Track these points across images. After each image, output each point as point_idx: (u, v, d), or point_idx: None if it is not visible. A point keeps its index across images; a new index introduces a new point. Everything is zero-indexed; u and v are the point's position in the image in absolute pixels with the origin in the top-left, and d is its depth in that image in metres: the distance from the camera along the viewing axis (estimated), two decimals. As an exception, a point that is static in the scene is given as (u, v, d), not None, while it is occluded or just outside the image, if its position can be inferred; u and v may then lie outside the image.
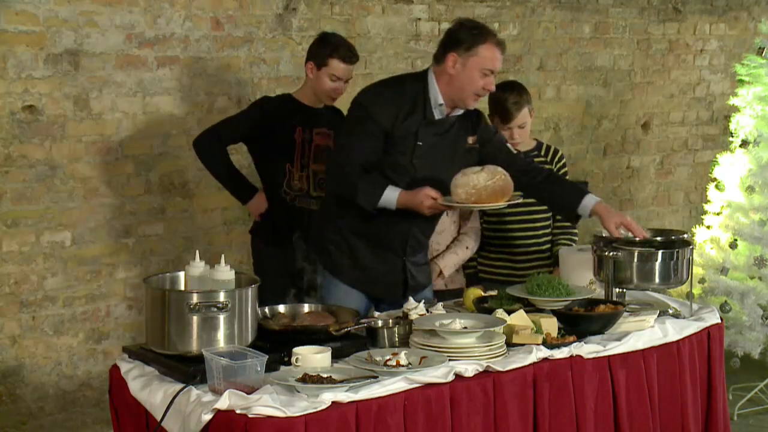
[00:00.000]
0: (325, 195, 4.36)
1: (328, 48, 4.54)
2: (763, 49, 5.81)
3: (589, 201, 3.99)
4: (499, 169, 3.80)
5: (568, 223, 4.52)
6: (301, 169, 4.62)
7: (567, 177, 4.57)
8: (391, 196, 3.88)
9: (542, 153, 4.57)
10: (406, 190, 3.88)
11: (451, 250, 4.55)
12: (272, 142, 4.60)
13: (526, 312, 3.55)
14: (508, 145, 4.24)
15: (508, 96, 4.43)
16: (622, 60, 7.04)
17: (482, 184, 3.72)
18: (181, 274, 3.36)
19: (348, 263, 4.07)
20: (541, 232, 4.55)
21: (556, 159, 4.58)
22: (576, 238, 4.61)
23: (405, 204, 3.88)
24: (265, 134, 4.59)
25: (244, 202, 4.72)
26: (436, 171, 3.98)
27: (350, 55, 4.56)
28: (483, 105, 4.18)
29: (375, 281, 4.09)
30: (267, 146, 4.62)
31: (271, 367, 3.08)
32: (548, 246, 4.58)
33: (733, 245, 5.67)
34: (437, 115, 3.96)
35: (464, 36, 3.89)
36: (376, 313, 3.72)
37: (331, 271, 4.09)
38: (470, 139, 4.08)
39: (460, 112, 4.03)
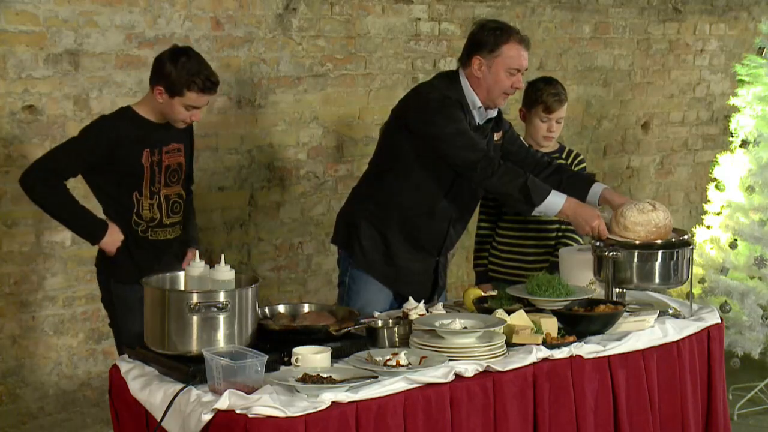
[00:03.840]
0: (354, 192, 4.29)
1: (182, 77, 3.84)
2: (763, 49, 5.81)
3: (597, 188, 4.05)
4: (659, 203, 3.87)
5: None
6: (150, 196, 3.98)
7: None
8: (556, 201, 3.84)
9: (563, 156, 4.58)
10: (575, 200, 3.87)
11: None
12: (116, 169, 3.92)
13: (526, 312, 3.55)
14: (521, 138, 4.33)
15: (550, 88, 4.47)
16: (622, 60, 7.04)
17: (663, 222, 3.82)
18: (181, 274, 3.36)
19: (382, 260, 4.08)
20: (553, 234, 4.54)
21: (576, 162, 4.58)
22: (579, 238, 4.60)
23: (573, 213, 3.86)
24: (107, 161, 3.90)
25: (96, 241, 3.96)
26: None
27: (210, 85, 3.91)
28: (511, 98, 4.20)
29: (408, 280, 4.12)
30: (110, 175, 3.94)
31: (271, 367, 3.08)
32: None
33: (733, 245, 5.67)
34: (477, 117, 4.02)
35: (486, 37, 3.91)
36: (376, 313, 3.72)
37: (363, 268, 4.11)
38: (496, 136, 4.13)
39: (494, 113, 4.06)
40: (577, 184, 4.09)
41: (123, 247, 3.97)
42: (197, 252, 3.88)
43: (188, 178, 4.21)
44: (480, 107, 4.00)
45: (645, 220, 3.81)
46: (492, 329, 3.36)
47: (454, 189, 4.05)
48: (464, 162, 3.89)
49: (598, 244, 3.88)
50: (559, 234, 4.55)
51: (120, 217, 3.98)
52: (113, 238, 3.95)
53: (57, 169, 3.90)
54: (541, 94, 4.46)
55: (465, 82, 3.98)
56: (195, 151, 4.28)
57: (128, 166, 3.92)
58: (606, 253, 3.82)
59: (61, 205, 3.92)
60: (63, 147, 3.98)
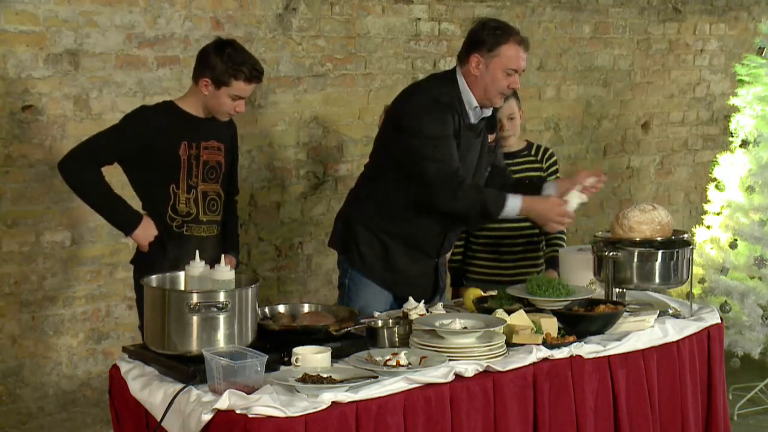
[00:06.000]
0: (351, 194, 4.29)
1: (229, 68, 3.90)
2: (763, 49, 5.81)
3: (547, 185, 4.10)
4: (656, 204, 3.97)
5: None
6: (187, 190, 3.98)
7: (558, 176, 4.60)
8: (514, 203, 3.90)
9: (532, 153, 4.59)
10: (528, 197, 3.94)
11: None
12: (153, 160, 3.95)
13: (526, 312, 3.55)
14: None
15: None
16: (622, 60, 7.04)
17: (665, 219, 3.91)
18: (181, 274, 3.36)
19: (381, 265, 4.08)
20: (528, 231, 4.54)
21: (546, 157, 4.58)
22: (564, 240, 4.60)
23: (531, 209, 3.92)
24: (145, 151, 3.94)
25: (129, 232, 3.99)
26: (468, 172, 4.03)
27: (257, 74, 3.96)
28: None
29: (407, 283, 4.11)
30: (147, 165, 3.97)
31: (271, 367, 3.08)
32: (536, 247, 4.58)
33: (733, 245, 5.67)
34: (472, 119, 4.00)
35: (486, 36, 3.91)
36: (376, 313, 3.72)
37: (362, 272, 4.10)
38: (490, 137, 4.14)
39: (489, 112, 4.06)
40: (530, 191, 4.14)
41: (157, 243, 3.98)
42: (234, 261, 3.98)
43: (232, 184, 4.22)
44: (476, 107, 3.99)
45: (648, 218, 3.84)
46: (492, 329, 3.36)
47: None
48: (428, 174, 3.87)
49: (598, 244, 3.89)
50: (549, 236, 4.54)
51: (155, 212, 3.99)
52: (146, 231, 3.97)
53: (94, 156, 3.94)
54: None
55: (462, 81, 3.97)
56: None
57: (165, 157, 3.94)
58: (606, 253, 3.83)
59: (96, 191, 3.96)
60: (102, 134, 4.01)
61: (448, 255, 4.60)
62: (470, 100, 3.97)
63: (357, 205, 4.17)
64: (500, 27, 3.94)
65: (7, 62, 4.67)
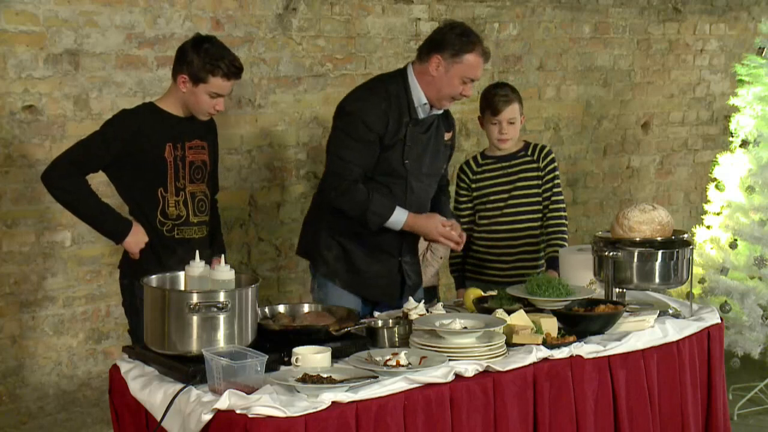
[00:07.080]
0: (313, 200, 4.32)
1: (206, 63, 3.82)
2: (763, 49, 5.81)
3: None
4: (656, 204, 3.99)
5: (559, 225, 4.53)
6: (176, 192, 3.90)
7: (557, 173, 4.60)
8: (399, 217, 3.95)
9: (529, 152, 4.58)
10: (414, 213, 4.00)
11: (427, 263, 4.58)
12: (138, 164, 3.86)
13: (526, 312, 3.55)
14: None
15: (498, 90, 4.51)
16: (622, 60, 7.04)
17: (666, 219, 3.90)
18: (181, 274, 3.36)
19: (343, 268, 4.08)
20: (527, 233, 4.54)
21: (543, 156, 4.57)
22: (566, 240, 4.59)
23: (413, 226, 3.98)
24: (129, 156, 3.84)
25: (119, 240, 3.88)
26: (421, 169, 4.06)
27: (235, 70, 3.87)
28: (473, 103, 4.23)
29: (372, 284, 4.11)
30: (132, 170, 3.87)
31: (271, 367, 3.08)
32: (536, 248, 4.58)
33: (733, 245, 5.67)
34: (421, 114, 4.01)
35: (452, 41, 3.93)
36: (376, 313, 3.73)
37: (326, 276, 4.11)
38: (446, 135, 4.17)
39: (440, 111, 4.07)
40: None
41: (149, 249, 3.90)
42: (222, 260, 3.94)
43: (213, 184, 4.14)
44: (425, 104, 4.01)
45: (648, 218, 3.84)
46: (492, 329, 3.36)
47: (406, 189, 4.06)
48: (327, 166, 4.01)
49: (598, 244, 3.90)
50: (549, 236, 4.55)
51: (145, 218, 3.91)
52: (137, 238, 3.87)
53: (78, 164, 3.83)
54: (489, 97, 4.50)
55: (412, 78, 4.00)
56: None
57: (151, 161, 3.86)
58: (606, 253, 3.83)
59: (83, 201, 3.84)
60: (84, 142, 3.90)
61: (446, 253, 4.60)
62: (420, 96, 3.99)
63: (317, 211, 4.21)
64: (467, 34, 3.95)
65: (7, 62, 4.67)
